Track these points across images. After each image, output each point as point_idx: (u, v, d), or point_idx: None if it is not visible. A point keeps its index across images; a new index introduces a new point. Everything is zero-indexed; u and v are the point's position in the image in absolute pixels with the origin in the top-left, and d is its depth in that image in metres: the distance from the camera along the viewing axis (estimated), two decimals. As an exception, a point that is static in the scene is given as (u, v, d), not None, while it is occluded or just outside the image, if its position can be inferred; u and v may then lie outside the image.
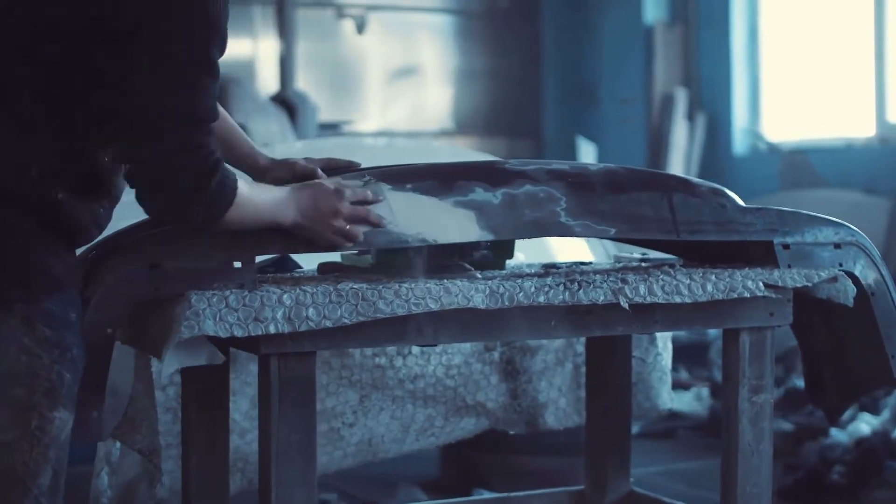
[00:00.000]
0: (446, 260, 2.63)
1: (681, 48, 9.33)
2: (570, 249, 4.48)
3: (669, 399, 3.37)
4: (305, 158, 2.66)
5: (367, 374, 3.06)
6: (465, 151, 6.57)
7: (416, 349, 3.10)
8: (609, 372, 3.19)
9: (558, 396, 3.30)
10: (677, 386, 6.52)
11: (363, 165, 2.60)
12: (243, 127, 7.23)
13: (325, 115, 8.75)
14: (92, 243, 2.35)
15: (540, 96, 10.33)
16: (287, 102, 7.33)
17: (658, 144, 9.19)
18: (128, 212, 2.32)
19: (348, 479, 4.60)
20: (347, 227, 2.38)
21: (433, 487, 4.63)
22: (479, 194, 2.55)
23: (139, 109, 2.11)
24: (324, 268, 2.75)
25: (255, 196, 2.29)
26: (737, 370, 2.74)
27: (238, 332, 2.25)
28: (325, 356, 3.02)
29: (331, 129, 7.88)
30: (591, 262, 3.07)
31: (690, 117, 9.16)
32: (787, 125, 8.78)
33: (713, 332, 6.43)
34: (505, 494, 3.30)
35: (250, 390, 2.99)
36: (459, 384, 3.18)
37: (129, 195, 2.26)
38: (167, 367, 2.24)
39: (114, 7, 2.10)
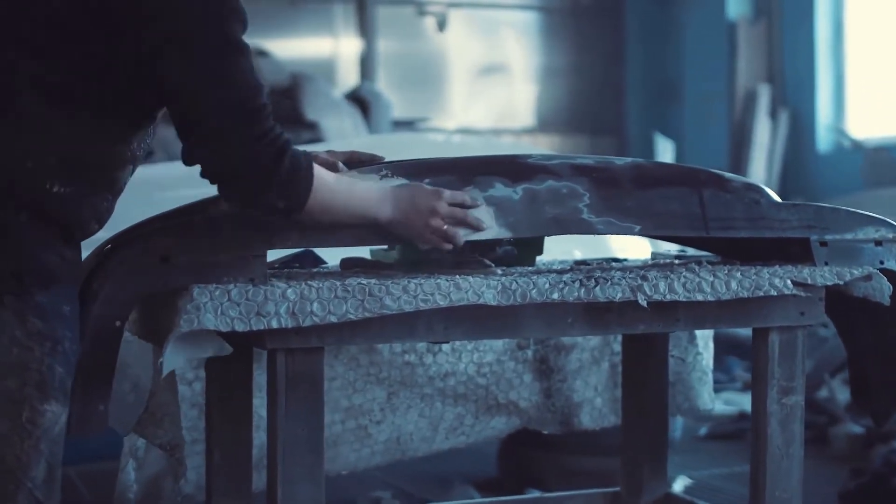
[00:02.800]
0: (467, 256, 2.58)
1: (764, 44, 9.17)
2: (633, 246, 4.39)
3: (710, 400, 3.28)
4: (327, 151, 2.62)
5: (395, 371, 3.03)
6: (527, 147, 6.48)
7: (446, 347, 3.06)
8: (646, 371, 3.12)
9: (594, 396, 3.23)
10: (749, 388, 6.40)
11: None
12: (316, 124, 7.25)
13: (407, 112, 8.74)
14: (110, 236, 2.35)
15: (622, 93, 10.23)
16: (361, 99, 7.32)
17: (741, 141, 9.05)
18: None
19: (403, 476, 4.58)
20: (445, 227, 2.36)
21: (488, 486, 4.59)
22: (499, 189, 2.49)
23: (192, 114, 2.12)
24: (346, 263, 2.71)
25: (343, 184, 2.28)
26: (766, 371, 2.65)
27: (239, 327, 2.21)
28: (353, 352, 2.99)
29: (405, 126, 7.88)
30: (625, 260, 3.01)
31: (773, 114, 9.00)
32: (871, 121, 8.60)
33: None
34: (539, 494, 3.25)
35: (278, 386, 2.96)
36: (491, 382, 3.13)
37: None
38: (168, 363, 2.21)
39: (118, 2, 2.09)
